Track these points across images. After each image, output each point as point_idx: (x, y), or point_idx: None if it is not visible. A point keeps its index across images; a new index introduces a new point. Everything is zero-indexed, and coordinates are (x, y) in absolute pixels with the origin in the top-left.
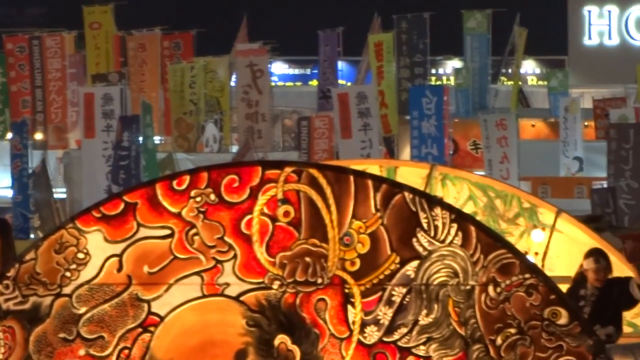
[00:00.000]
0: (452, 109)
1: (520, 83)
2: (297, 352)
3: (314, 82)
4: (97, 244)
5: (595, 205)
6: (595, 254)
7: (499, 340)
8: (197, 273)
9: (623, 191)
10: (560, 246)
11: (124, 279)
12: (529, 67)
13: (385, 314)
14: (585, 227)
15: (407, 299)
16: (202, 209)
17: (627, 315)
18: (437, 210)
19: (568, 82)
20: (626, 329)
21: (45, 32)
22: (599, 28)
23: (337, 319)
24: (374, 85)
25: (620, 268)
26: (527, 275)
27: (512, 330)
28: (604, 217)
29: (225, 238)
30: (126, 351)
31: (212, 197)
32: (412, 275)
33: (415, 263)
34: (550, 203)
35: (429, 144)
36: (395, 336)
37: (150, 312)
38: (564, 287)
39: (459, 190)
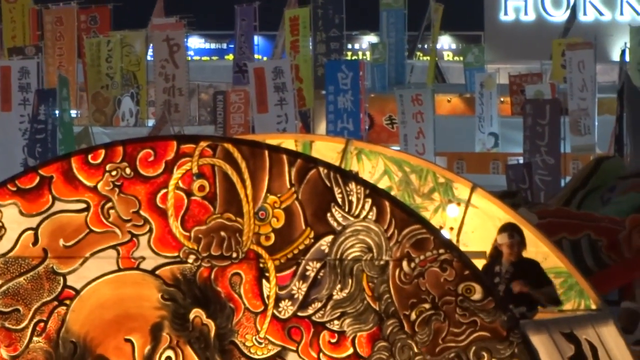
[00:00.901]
0: (368, 84)
1: (436, 58)
2: (212, 326)
3: (230, 57)
4: (12, 218)
5: (510, 181)
6: (509, 229)
7: (413, 316)
8: (113, 247)
9: (538, 167)
10: (475, 221)
11: (39, 252)
12: (445, 42)
13: (299, 288)
14: (501, 202)
15: (321, 274)
16: (117, 183)
17: None
18: (352, 186)
19: (484, 58)
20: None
21: None
22: (515, 4)
23: (252, 293)
24: (289, 59)
25: (535, 244)
26: (441, 251)
27: (426, 306)
28: (519, 193)
29: (141, 212)
30: (42, 324)
31: (128, 171)
32: (327, 250)
33: (329, 238)
34: (465, 178)
35: (344, 119)
36: (310, 311)
37: (65, 286)
38: (479, 263)
39: (374, 165)
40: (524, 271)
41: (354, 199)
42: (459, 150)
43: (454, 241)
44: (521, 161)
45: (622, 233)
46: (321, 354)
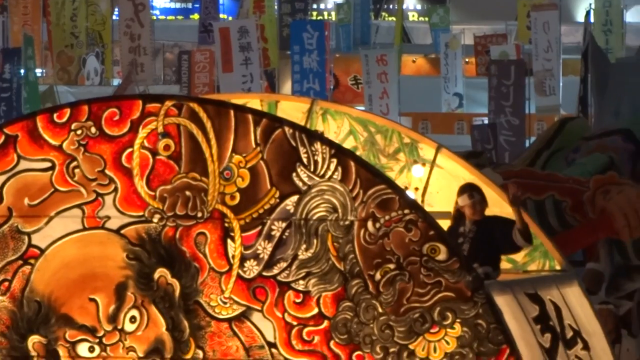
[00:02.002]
0: (333, 44)
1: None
2: (176, 285)
3: (196, 16)
4: None
5: (475, 142)
6: (468, 190)
7: (377, 276)
8: (78, 206)
9: (503, 127)
10: (440, 182)
11: (4, 211)
12: (411, 3)
13: (264, 248)
14: (466, 163)
15: (286, 234)
16: (82, 142)
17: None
18: (317, 146)
19: (449, 18)
20: (505, 265)
21: None
22: None
23: (216, 253)
24: (254, 19)
25: (500, 204)
26: (406, 211)
27: (391, 266)
28: (484, 154)
29: (106, 171)
30: (6, 283)
31: (93, 130)
32: (292, 210)
33: (294, 198)
34: (430, 138)
35: (310, 79)
36: (275, 270)
37: (30, 245)
38: (444, 223)
39: (339, 125)
40: (488, 229)
41: (320, 159)
42: (424, 110)
43: (419, 201)
44: (486, 122)
45: (586, 194)
46: (286, 314)
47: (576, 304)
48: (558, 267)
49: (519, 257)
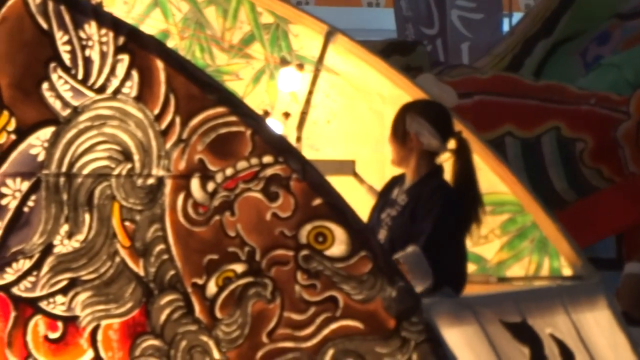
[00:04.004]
0: None
1: None
2: None
3: None
4: None
5: (403, 21)
6: (403, 111)
7: (211, 287)
8: None
9: None
10: (334, 101)
11: None
12: None
13: None
14: (384, 62)
15: (30, 204)
16: None
17: (468, 244)
18: (90, 27)
19: None
20: (469, 267)
21: None
22: None
23: None
24: None
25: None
26: (266, 159)
27: (238, 268)
28: (419, 44)
29: None
30: None
31: None
32: (41, 157)
33: (47, 131)
34: (313, 15)
35: None
36: (8, 277)
37: None
38: (343, 184)
39: None
40: (431, 196)
41: (95, 55)
42: None
43: (293, 140)
44: None
45: (624, 125)
46: None
47: (603, 341)
48: (567, 271)
49: (487, 250)
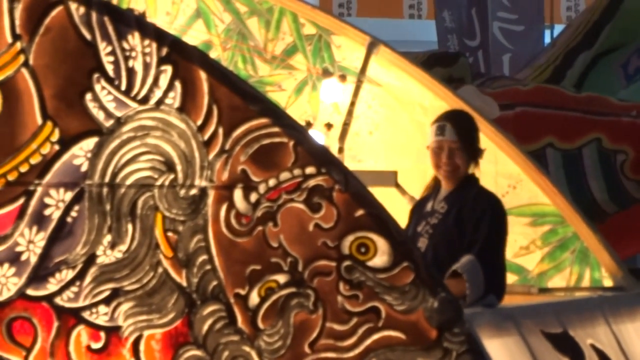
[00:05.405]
0: None
1: None
2: None
3: None
4: None
5: (445, 33)
6: (441, 120)
7: (254, 298)
8: None
9: (501, 5)
10: (376, 112)
11: None
12: None
13: (31, 241)
14: (427, 74)
15: (73, 215)
16: None
17: (509, 253)
18: (134, 39)
19: None
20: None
21: None
22: None
23: None
24: None
25: (494, 156)
26: (309, 170)
27: (280, 278)
28: (461, 56)
29: None
30: None
31: None
32: (84, 168)
33: (90, 142)
34: (356, 27)
35: None
36: (52, 286)
37: None
38: (387, 196)
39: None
40: (471, 206)
41: (139, 66)
42: None
43: (335, 151)
44: None
45: None
46: None
47: None
48: (608, 282)
49: (528, 260)
